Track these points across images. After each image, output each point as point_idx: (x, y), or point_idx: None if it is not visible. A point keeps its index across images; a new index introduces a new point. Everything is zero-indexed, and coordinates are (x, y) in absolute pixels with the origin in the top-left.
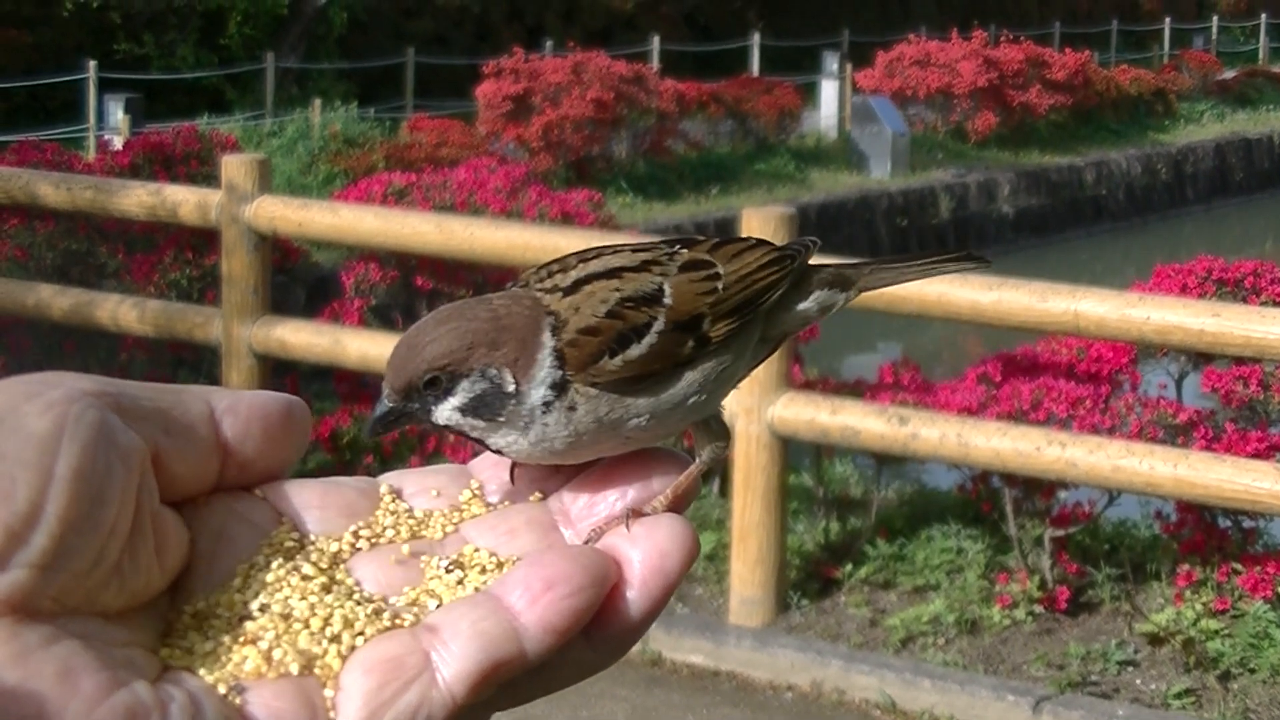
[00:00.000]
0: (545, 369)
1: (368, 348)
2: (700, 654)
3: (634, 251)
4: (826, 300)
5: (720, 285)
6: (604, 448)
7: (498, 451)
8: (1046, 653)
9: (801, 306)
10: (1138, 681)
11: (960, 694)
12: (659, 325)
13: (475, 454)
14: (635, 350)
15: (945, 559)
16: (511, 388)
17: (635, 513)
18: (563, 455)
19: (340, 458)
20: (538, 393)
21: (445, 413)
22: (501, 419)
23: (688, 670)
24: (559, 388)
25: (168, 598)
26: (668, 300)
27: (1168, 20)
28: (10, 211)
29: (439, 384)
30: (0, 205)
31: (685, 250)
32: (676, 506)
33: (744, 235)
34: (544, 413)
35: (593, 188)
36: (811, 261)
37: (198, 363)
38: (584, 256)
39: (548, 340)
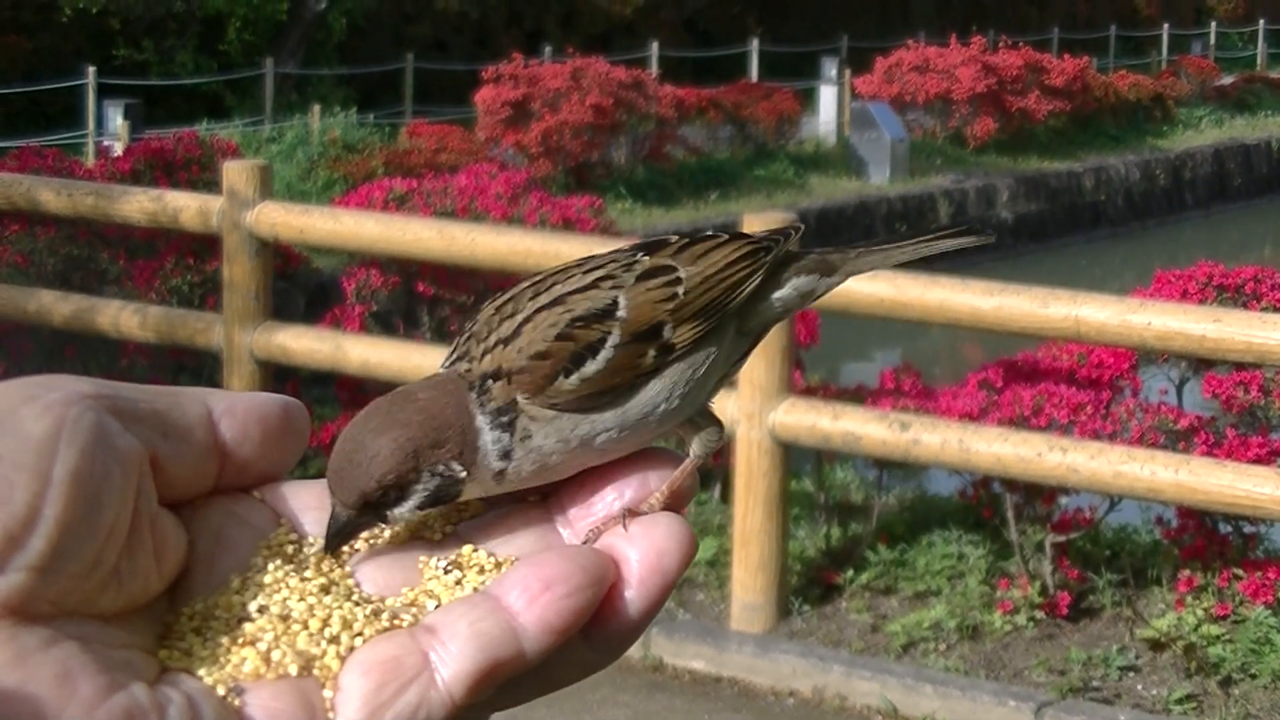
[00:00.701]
0: (490, 440)
1: (369, 354)
2: (702, 660)
3: (585, 272)
4: (806, 286)
5: (681, 290)
6: (580, 461)
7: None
8: (1048, 658)
9: (778, 295)
10: (1139, 687)
11: (962, 699)
12: (614, 339)
13: None
14: (591, 367)
15: (946, 565)
16: (463, 475)
17: (632, 512)
18: (541, 477)
19: None
20: (493, 465)
21: (404, 513)
22: (459, 495)
23: (689, 676)
24: (511, 420)
25: (166, 600)
26: (621, 313)
27: (1166, 26)
28: (11, 217)
29: (390, 495)
30: (1, 211)
31: (647, 257)
32: (674, 505)
33: (716, 233)
34: (502, 459)
35: (592, 193)
36: (798, 250)
37: (199, 368)
38: (538, 290)
39: (479, 415)
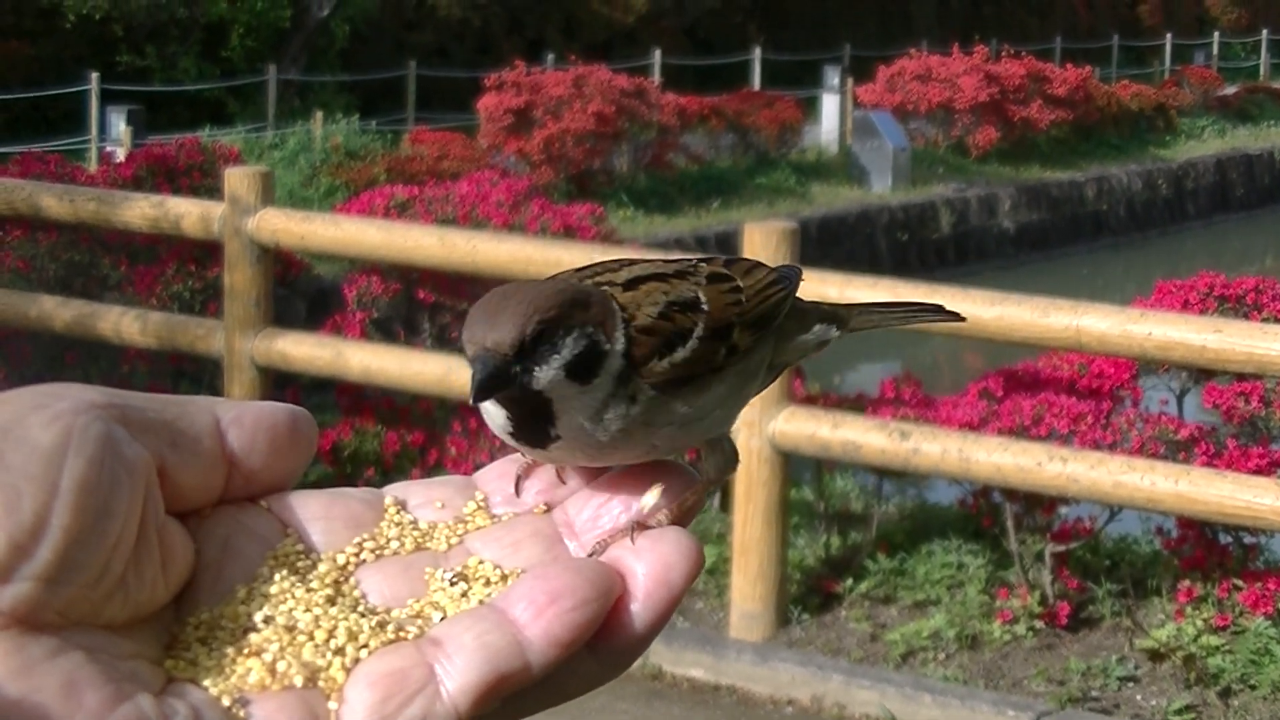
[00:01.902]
0: (620, 341)
1: (370, 360)
2: (701, 668)
3: (665, 262)
4: (825, 334)
5: (743, 297)
6: (632, 453)
7: (536, 443)
8: (1047, 668)
9: (805, 337)
10: (1138, 697)
11: (961, 709)
12: (699, 331)
13: (477, 467)
14: (681, 354)
15: (946, 574)
16: (608, 346)
17: (640, 525)
18: (593, 456)
19: (341, 471)
20: (616, 362)
21: (549, 373)
22: (596, 380)
23: (688, 684)
24: (624, 377)
25: (172, 609)
26: (705, 307)
27: (1169, 36)
28: (13, 223)
29: (546, 337)
30: (3, 216)
31: (705, 264)
32: (682, 520)
33: (743, 256)
34: (608, 398)
35: (593, 201)
36: (806, 300)
37: (199, 375)
38: (623, 264)
39: (620, 319)
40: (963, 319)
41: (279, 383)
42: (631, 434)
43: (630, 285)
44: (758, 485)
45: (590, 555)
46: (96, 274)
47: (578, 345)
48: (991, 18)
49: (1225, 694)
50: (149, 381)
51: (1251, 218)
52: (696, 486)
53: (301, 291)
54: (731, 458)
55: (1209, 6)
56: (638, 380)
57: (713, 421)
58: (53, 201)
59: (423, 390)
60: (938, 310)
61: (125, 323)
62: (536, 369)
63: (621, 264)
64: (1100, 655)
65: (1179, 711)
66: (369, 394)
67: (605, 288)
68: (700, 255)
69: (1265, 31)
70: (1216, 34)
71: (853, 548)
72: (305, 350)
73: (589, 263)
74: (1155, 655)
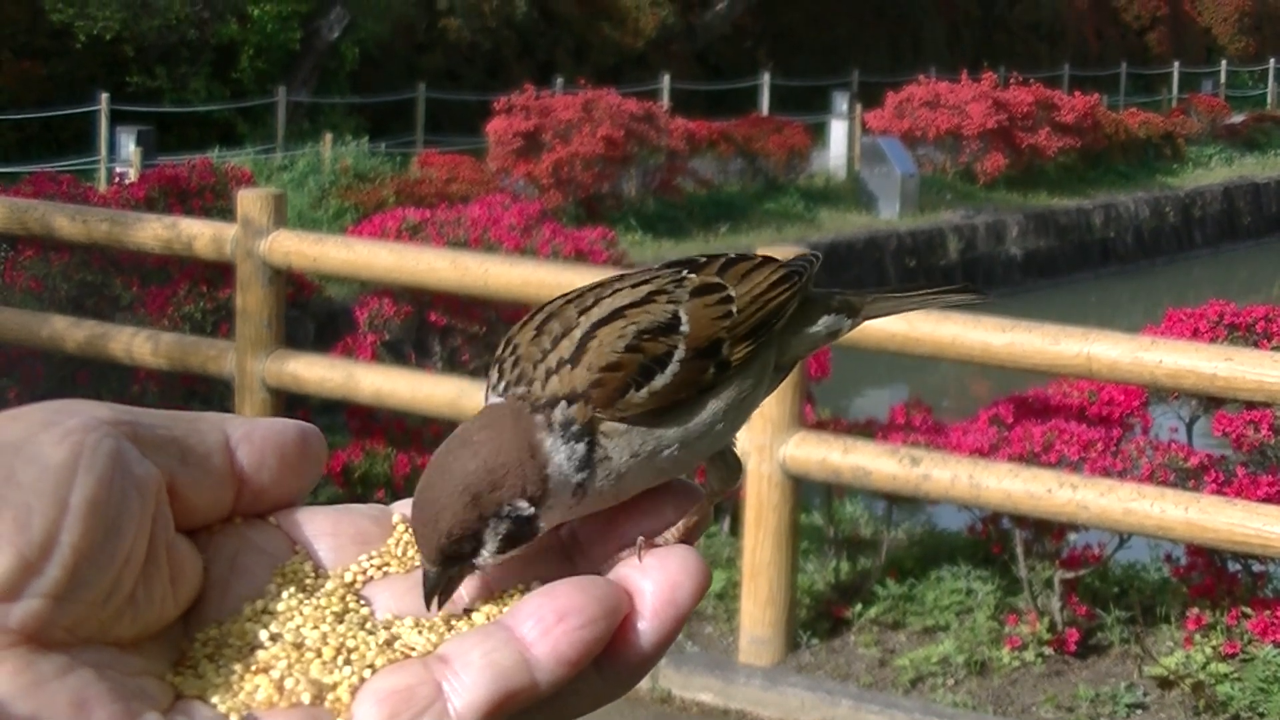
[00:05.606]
0: (564, 461)
1: (381, 383)
2: (710, 692)
3: (634, 286)
4: (834, 325)
5: (734, 308)
6: (642, 481)
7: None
8: (1056, 694)
9: (811, 330)
10: None
11: None
12: (680, 354)
13: None
14: (660, 380)
15: (955, 600)
16: (530, 511)
17: (647, 543)
18: (615, 497)
19: (352, 492)
20: (571, 485)
21: (488, 559)
22: (537, 530)
23: (697, 708)
24: (589, 436)
25: (181, 626)
26: (684, 328)
27: (1177, 64)
28: (26, 243)
29: (465, 546)
30: (16, 236)
31: (694, 275)
32: (688, 538)
33: (748, 253)
34: (580, 479)
35: (602, 225)
36: (817, 289)
37: (210, 396)
38: (584, 307)
39: (549, 438)
40: (985, 295)
41: (290, 404)
42: (621, 477)
43: (582, 349)
44: (768, 510)
45: (597, 573)
46: (108, 294)
47: (499, 528)
48: (1000, 45)
49: None
50: (160, 402)
51: (1259, 246)
52: (701, 502)
53: (312, 313)
54: (734, 467)
55: (1217, 35)
56: (602, 427)
57: (716, 436)
58: (65, 222)
59: (434, 413)
60: (959, 290)
61: (137, 343)
62: (474, 562)
63: (589, 302)
64: (1109, 682)
65: None
66: (380, 416)
67: (553, 375)
68: (694, 259)
69: (1273, 60)
70: (1224, 62)
71: (862, 573)
72: (316, 372)
73: (554, 297)
74: (1164, 683)
